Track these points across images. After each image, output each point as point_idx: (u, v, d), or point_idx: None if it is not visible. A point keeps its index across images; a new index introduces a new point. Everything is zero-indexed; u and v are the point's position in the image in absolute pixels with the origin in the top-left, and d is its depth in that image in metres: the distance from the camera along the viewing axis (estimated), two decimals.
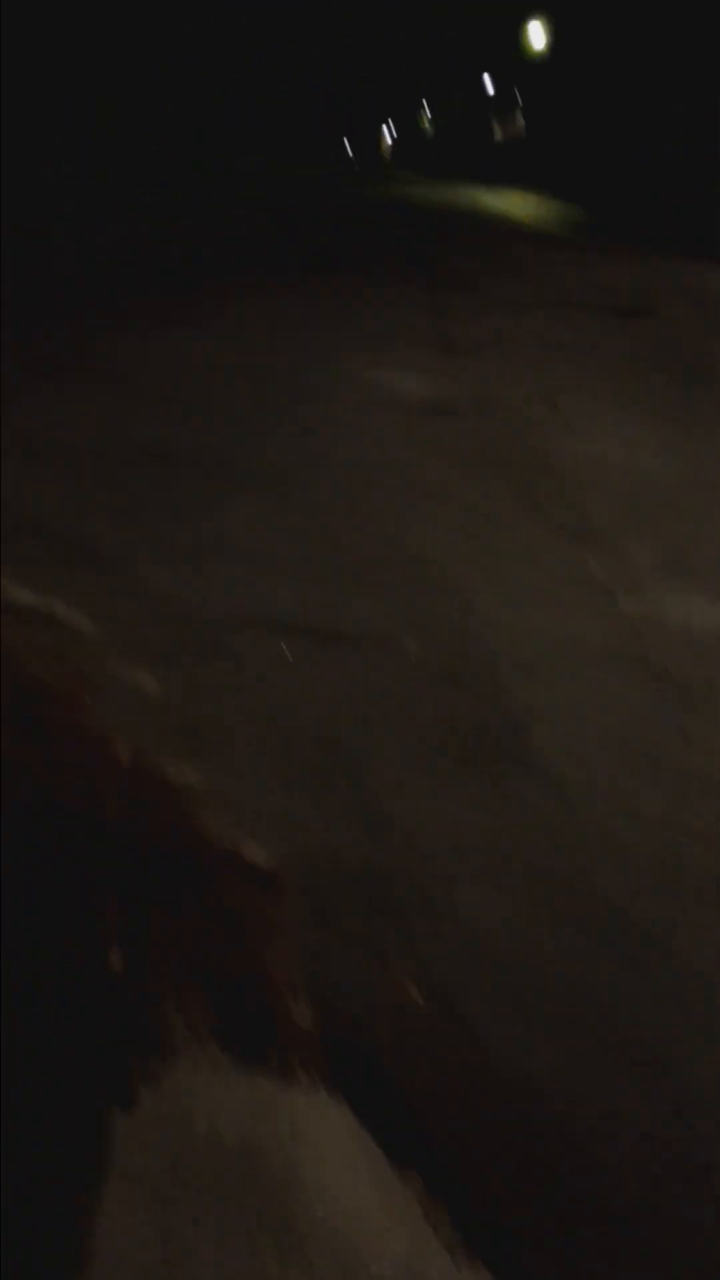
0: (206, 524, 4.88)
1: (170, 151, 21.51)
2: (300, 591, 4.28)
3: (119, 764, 3.43)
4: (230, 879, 3.19)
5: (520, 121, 26.57)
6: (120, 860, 3.18)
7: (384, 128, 36.22)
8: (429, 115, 34.61)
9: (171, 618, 4.07)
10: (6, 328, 8.59)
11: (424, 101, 34.08)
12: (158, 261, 13.20)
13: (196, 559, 4.51)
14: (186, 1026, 2.71)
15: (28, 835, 3.20)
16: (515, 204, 20.13)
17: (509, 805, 3.20)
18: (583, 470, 5.49)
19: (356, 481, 5.34)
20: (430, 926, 2.89)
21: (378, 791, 3.27)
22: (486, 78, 28.29)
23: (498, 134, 28.11)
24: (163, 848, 3.26)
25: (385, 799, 3.24)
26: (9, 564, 4.22)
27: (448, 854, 3.07)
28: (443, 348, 7.93)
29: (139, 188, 22.85)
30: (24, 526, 4.65)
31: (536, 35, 24.64)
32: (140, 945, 2.90)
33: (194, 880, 3.16)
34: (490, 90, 28.44)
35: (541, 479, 5.36)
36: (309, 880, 3.05)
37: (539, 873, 2.98)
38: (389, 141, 37.39)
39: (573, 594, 4.21)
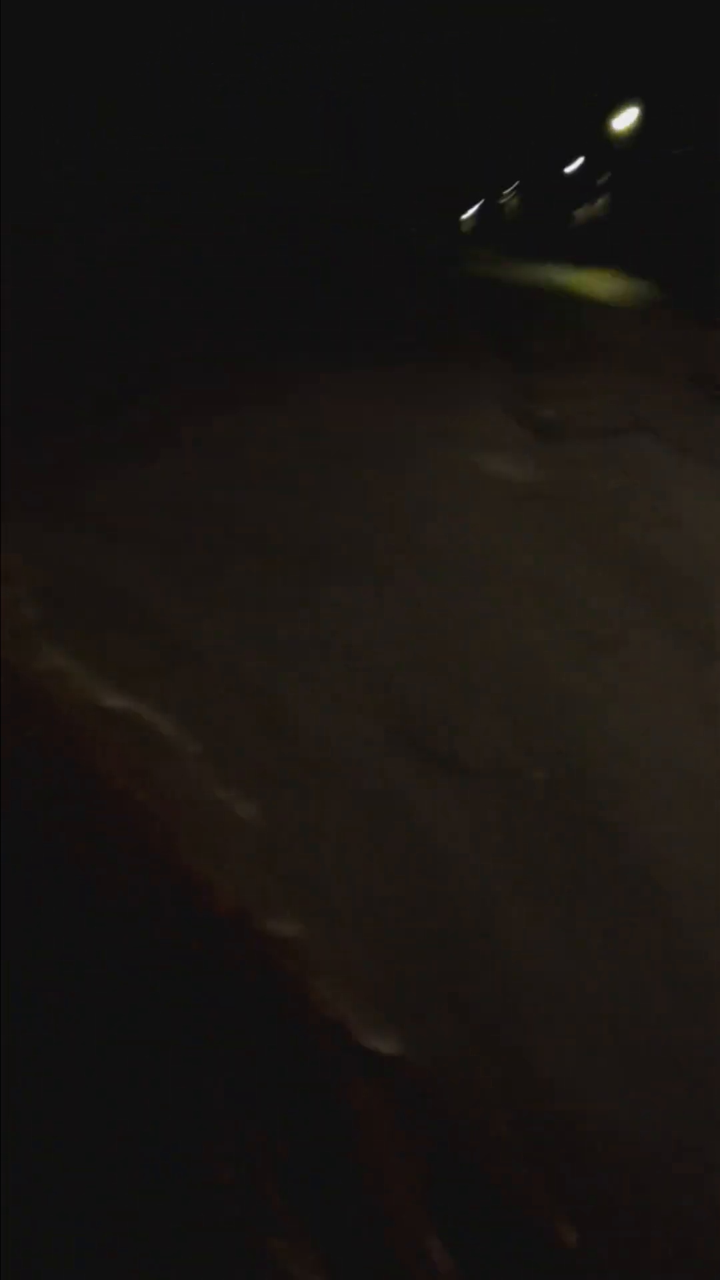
0: (304, 618, 4.39)
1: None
2: (410, 701, 3.80)
3: (218, 912, 2.97)
4: (346, 1068, 2.74)
5: (603, 202, 26.44)
6: (221, 1038, 2.73)
7: (464, 207, 36.00)
8: (509, 194, 34.46)
9: (272, 730, 3.60)
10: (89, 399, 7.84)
11: (505, 182, 33.94)
12: (226, 339, 12.06)
13: (296, 659, 4.03)
14: (299, 1263, 2.30)
15: (117, 1002, 2.76)
16: (596, 282, 19.78)
17: (654, 992, 2.77)
18: (692, 565, 5.04)
19: (456, 572, 4.84)
20: (579, 1141, 2.46)
21: (506, 959, 2.83)
22: (572, 160, 28.30)
23: (580, 214, 27.97)
24: (267, 1022, 2.81)
25: (514, 970, 2.80)
26: (96, 660, 3.73)
27: (589, 1044, 2.64)
28: (533, 428, 7.43)
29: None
30: (113, 616, 4.15)
31: (625, 120, 24.61)
32: (245, 1154, 2.46)
33: (305, 1067, 2.72)
34: (573, 171, 28.46)
35: (651, 574, 4.90)
36: (436, 1072, 2.61)
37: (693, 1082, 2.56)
38: (468, 219, 37.18)
39: (704, 722, 3.74)
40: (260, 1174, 2.45)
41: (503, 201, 35.53)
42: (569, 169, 28.80)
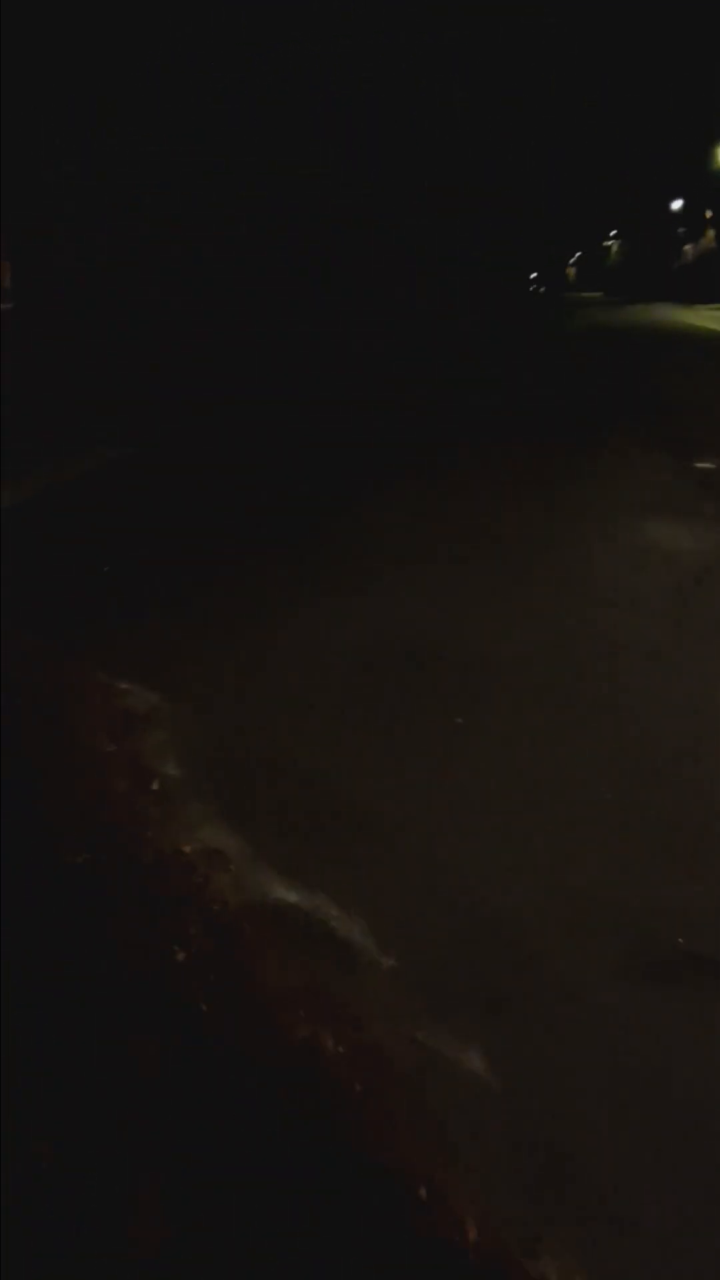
0: (501, 782, 3.33)
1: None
2: (639, 882, 2.81)
3: (462, 1248, 2.04)
4: None
5: (710, 238, 25.47)
6: None
7: (569, 257, 34.80)
8: (611, 239, 33.49)
9: (485, 936, 2.62)
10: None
11: (608, 228, 32.90)
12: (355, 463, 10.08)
13: (500, 836, 2.97)
14: None
15: None
16: (712, 318, 18.60)
17: None
18: None
19: (664, 690, 3.85)
20: None
21: None
22: (675, 199, 27.39)
23: (687, 252, 26.97)
24: None
25: None
26: (257, 837, 2.76)
27: None
28: (694, 481, 6.43)
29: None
30: (272, 780, 3.16)
31: None
32: None
33: None
34: (677, 209, 27.51)
35: None
36: None
37: None
38: (572, 269, 36.02)
39: None
40: None
41: (607, 245, 34.49)
42: (673, 207, 27.92)
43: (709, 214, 26.24)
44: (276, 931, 2.53)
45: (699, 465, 7.45)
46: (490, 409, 12.09)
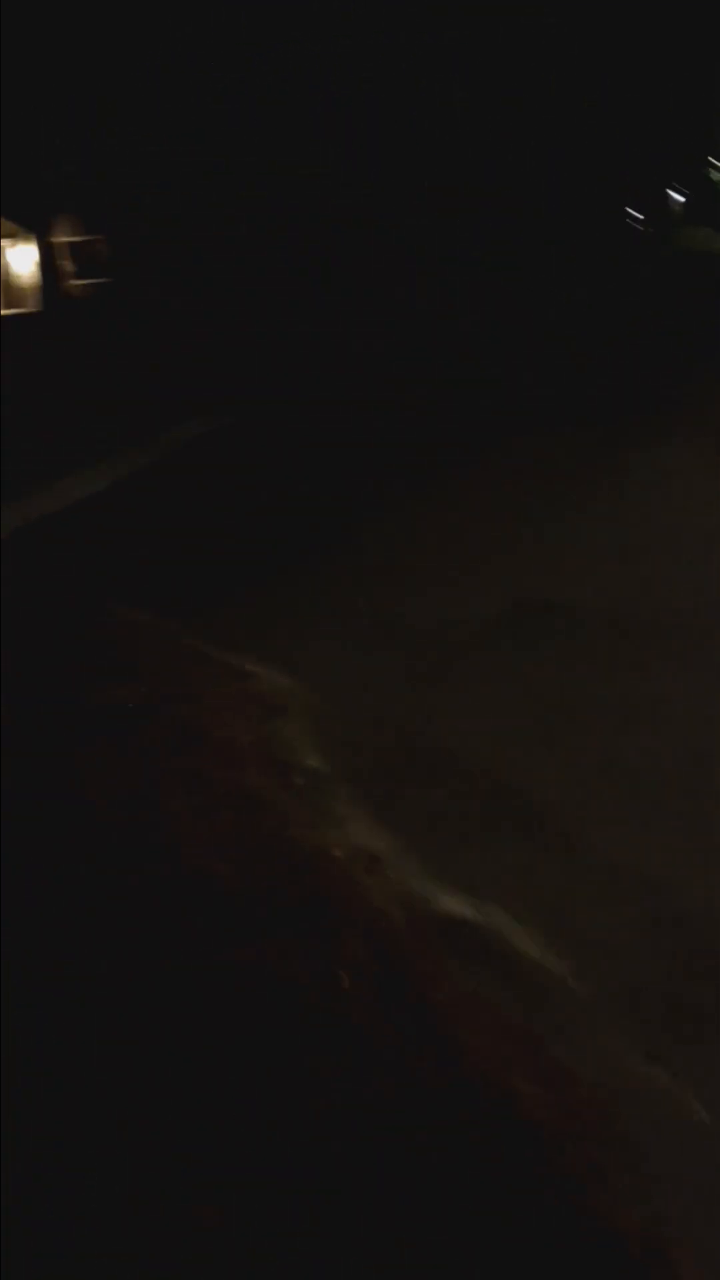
0: (667, 764, 3.01)
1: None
2: None
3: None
4: None
5: None
6: None
7: (670, 190, 33.39)
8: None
9: (691, 954, 2.27)
10: None
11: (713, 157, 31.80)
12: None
13: (673, 825, 2.72)
14: None
15: None
16: None
17: None
18: None
19: None
20: None
21: None
22: None
23: None
24: None
25: None
26: (410, 835, 2.52)
27: None
28: None
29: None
30: (417, 764, 2.90)
31: None
32: None
33: None
34: None
35: None
36: None
37: None
38: (676, 201, 34.52)
39: None
40: None
41: (714, 176, 33.13)
42: None
43: None
44: (441, 944, 2.25)
45: None
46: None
